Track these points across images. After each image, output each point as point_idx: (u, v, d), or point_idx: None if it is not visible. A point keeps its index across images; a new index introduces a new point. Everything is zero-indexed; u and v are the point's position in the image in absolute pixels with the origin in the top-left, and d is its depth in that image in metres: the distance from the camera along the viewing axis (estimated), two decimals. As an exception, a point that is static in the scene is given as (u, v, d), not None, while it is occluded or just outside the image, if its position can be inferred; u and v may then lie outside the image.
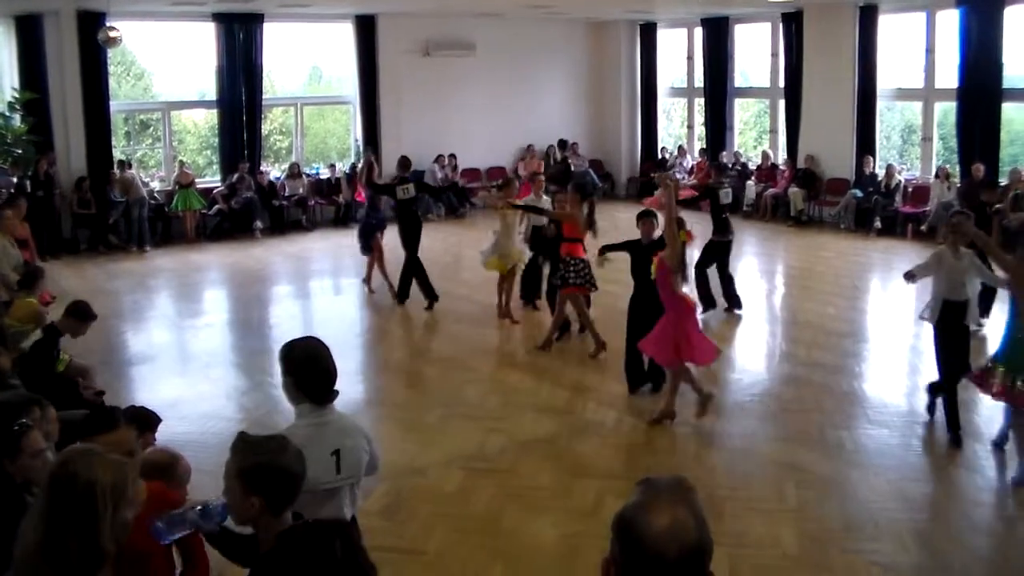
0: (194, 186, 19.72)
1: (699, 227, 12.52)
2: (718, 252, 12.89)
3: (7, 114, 17.34)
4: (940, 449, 8.40)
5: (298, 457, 3.41)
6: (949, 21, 18.37)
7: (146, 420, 6.03)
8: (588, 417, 9.09)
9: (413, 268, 13.22)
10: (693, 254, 12.21)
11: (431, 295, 13.16)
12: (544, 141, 23.74)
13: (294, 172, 20.92)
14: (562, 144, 22.05)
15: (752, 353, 11.60)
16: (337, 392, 4.36)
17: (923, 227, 17.83)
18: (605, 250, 10.14)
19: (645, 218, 9.65)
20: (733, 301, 13.03)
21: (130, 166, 19.36)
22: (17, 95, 17.60)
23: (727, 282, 13.04)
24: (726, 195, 12.93)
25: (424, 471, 7.86)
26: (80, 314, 8.10)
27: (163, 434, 6.37)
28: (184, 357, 11.74)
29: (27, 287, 9.53)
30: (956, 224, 8.45)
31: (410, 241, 13.21)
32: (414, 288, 13.32)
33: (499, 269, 12.45)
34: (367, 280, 14.32)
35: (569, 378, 10.29)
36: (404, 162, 13.95)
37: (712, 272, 12.95)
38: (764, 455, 8.23)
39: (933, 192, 18.03)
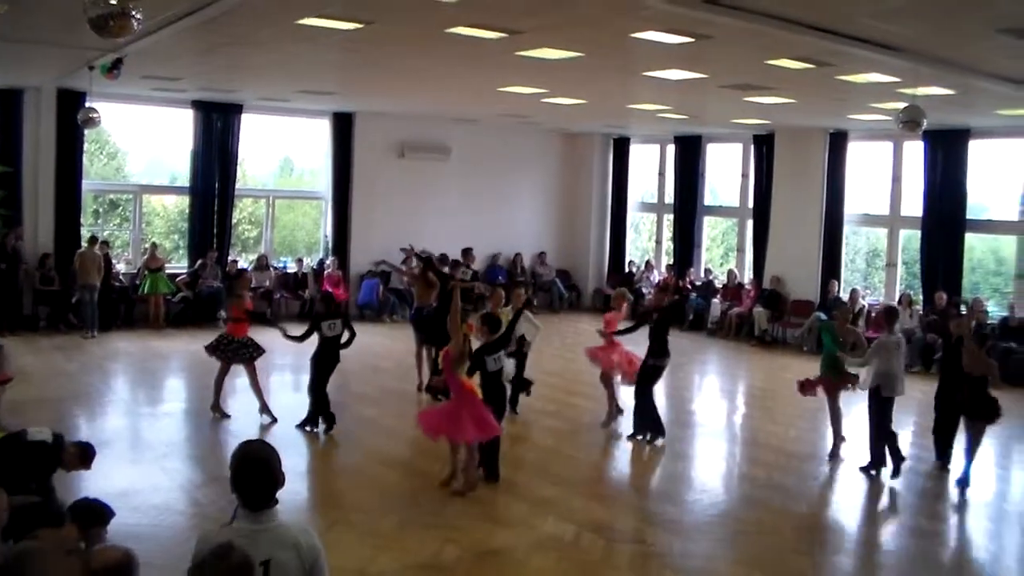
0: (163, 271, 19.59)
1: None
2: (652, 376, 12.19)
3: (-23, 186, 17.29)
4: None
5: (238, 569, 3.28)
6: (915, 152, 18.86)
7: (99, 515, 5.90)
8: (547, 530, 8.96)
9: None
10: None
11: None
12: (513, 248, 23.96)
13: (262, 264, 20.89)
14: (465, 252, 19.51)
15: (712, 473, 11.54)
16: (275, 501, 4.18)
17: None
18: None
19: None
20: (654, 429, 12.32)
21: (106, 245, 19.13)
22: (-11, 167, 17.58)
23: (651, 407, 12.29)
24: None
25: (378, 578, 7.70)
26: (86, 458, 7.69)
27: (113, 525, 6.23)
28: (139, 445, 11.49)
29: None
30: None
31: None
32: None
33: None
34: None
35: (528, 490, 10.17)
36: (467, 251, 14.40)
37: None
38: (723, 579, 8.14)
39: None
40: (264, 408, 12.59)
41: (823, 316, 19.17)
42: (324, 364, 12.16)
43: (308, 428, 12.11)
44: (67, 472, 7.82)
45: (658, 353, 12.05)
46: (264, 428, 12.20)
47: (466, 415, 9.72)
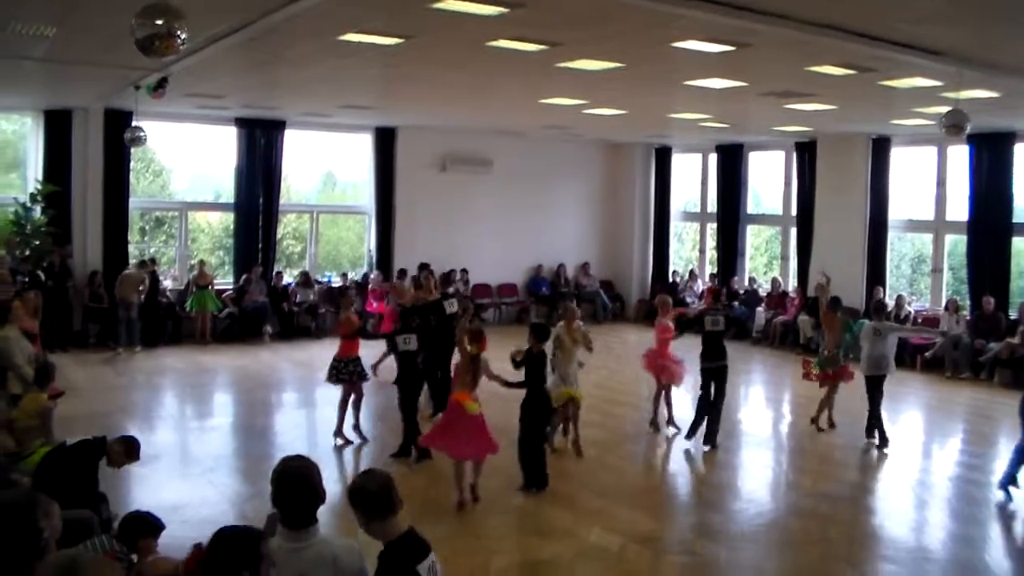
0: (211, 287, 19.80)
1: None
2: (713, 376, 12.47)
3: (28, 205, 17.57)
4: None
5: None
6: (960, 156, 18.67)
7: (150, 527, 5.98)
8: (593, 541, 8.96)
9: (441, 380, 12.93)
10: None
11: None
12: (556, 260, 23.98)
13: (306, 280, 21.02)
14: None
15: (758, 482, 11.48)
16: (314, 520, 4.22)
17: (927, 354, 17.90)
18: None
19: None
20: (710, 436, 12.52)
21: (153, 262, 19.47)
22: (40, 187, 17.88)
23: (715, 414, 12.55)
24: (714, 322, 12.43)
25: (425, 590, 7.71)
26: (132, 452, 7.88)
27: (163, 537, 6.31)
28: (188, 459, 11.61)
29: (40, 383, 9.51)
30: None
31: (446, 354, 12.87)
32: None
33: (567, 396, 11.78)
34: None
35: (573, 501, 10.17)
36: (448, 278, 14.22)
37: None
38: (770, 588, 8.10)
39: (942, 324, 18.04)
40: (356, 426, 12.32)
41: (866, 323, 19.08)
42: (409, 383, 11.66)
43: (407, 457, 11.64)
44: (116, 468, 7.95)
45: (705, 355, 12.41)
46: (309, 442, 12.27)
47: (469, 430, 9.90)
